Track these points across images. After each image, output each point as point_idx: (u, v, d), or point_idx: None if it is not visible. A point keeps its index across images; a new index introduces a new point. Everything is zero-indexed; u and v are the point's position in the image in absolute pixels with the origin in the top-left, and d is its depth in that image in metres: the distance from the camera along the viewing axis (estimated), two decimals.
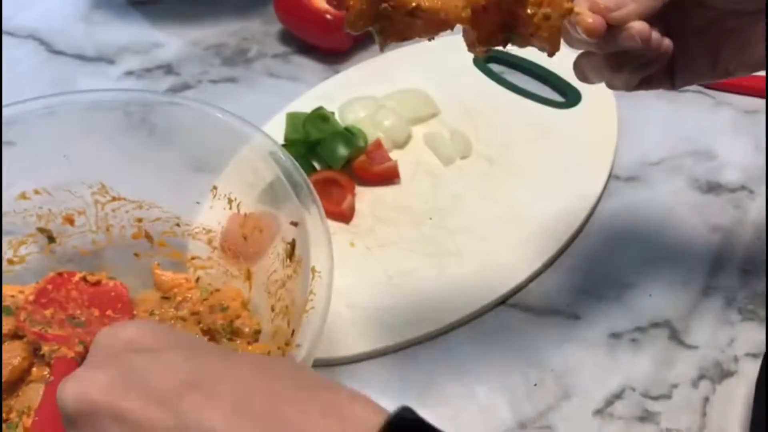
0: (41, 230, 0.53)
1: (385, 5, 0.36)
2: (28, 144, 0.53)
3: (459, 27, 0.39)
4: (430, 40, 0.40)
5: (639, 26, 0.39)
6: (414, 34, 0.38)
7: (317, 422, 0.26)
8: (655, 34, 0.40)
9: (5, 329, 0.48)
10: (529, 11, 0.38)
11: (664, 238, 0.60)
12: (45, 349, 0.47)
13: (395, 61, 0.75)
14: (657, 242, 0.59)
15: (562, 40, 0.39)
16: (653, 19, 0.40)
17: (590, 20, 0.38)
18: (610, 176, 0.64)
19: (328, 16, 0.74)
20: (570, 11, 0.38)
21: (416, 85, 0.71)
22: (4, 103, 0.52)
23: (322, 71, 0.75)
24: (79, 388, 0.29)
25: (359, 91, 0.70)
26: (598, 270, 0.58)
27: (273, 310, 0.47)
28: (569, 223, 0.60)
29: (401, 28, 0.37)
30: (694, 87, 0.72)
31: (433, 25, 0.37)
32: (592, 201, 0.61)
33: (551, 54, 0.39)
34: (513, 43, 0.40)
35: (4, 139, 0.52)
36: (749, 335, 0.53)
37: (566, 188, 0.62)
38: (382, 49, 0.38)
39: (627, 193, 0.63)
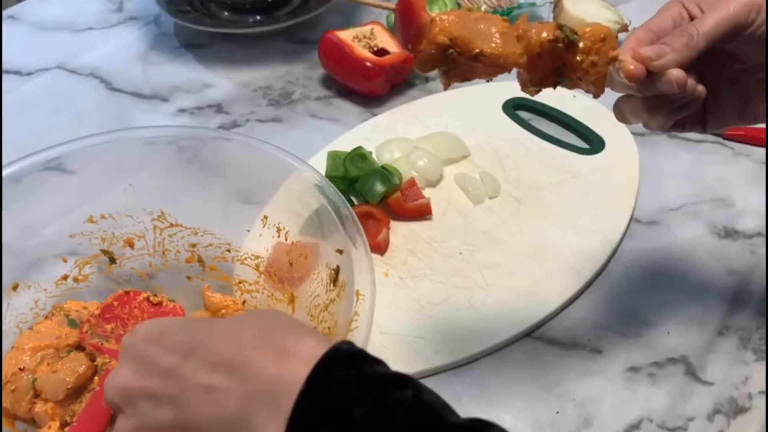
0: (104, 252, 0.58)
1: (451, 51, 0.40)
2: (87, 173, 0.58)
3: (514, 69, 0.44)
4: (488, 81, 0.44)
5: (677, 73, 0.43)
6: (475, 76, 0.42)
7: (271, 362, 0.33)
8: (691, 81, 0.44)
9: (71, 340, 0.52)
10: (578, 58, 0.42)
11: (683, 279, 0.63)
12: (98, 360, 0.52)
13: (429, 106, 0.80)
14: (676, 283, 0.62)
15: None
16: (689, 67, 0.44)
17: (632, 67, 0.43)
18: (631, 219, 0.67)
19: (368, 64, 0.79)
20: (615, 59, 0.43)
21: (448, 128, 0.75)
22: (68, 137, 0.57)
23: (361, 114, 0.81)
24: (115, 382, 0.37)
25: (395, 133, 0.75)
26: (619, 307, 0.61)
27: None
28: (592, 262, 0.63)
29: (464, 70, 0.41)
30: (713, 138, 0.76)
31: (492, 69, 0.41)
32: (614, 242, 0.65)
33: (596, 96, 0.44)
34: (562, 86, 0.44)
35: (65, 168, 0.57)
36: (763, 374, 0.56)
37: (590, 229, 0.66)
38: (445, 88, 0.42)
39: (647, 236, 0.67)
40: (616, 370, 0.56)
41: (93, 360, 0.51)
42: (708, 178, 0.72)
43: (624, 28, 0.85)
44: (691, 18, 0.47)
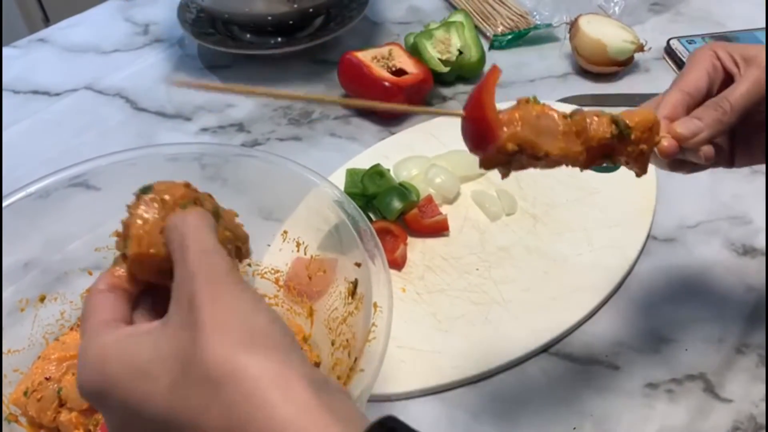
0: None
1: (517, 153, 0.41)
2: (112, 189, 0.59)
3: None
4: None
5: (707, 150, 0.45)
6: (533, 167, 0.43)
7: None
8: (717, 151, 0.46)
9: None
10: (629, 149, 0.44)
11: (701, 296, 0.63)
12: None
13: (446, 125, 0.81)
14: (694, 300, 0.62)
15: None
16: None
17: (666, 144, 0.44)
18: (648, 236, 0.68)
19: (386, 84, 0.80)
20: (658, 142, 0.44)
21: (465, 146, 0.76)
22: (94, 154, 0.59)
23: (379, 132, 0.82)
24: None
25: (413, 151, 0.76)
26: (636, 324, 0.61)
27: (333, 344, 0.51)
28: (609, 279, 0.63)
29: (524, 164, 0.42)
30: None
31: (553, 164, 0.42)
32: (631, 259, 0.65)
33: (640, 175, 0.45)
34: (608, 163, 0.45)
35: (90, 184, 0.58)
36: None
37: (607, 246, 0.66)
38: (503, 177, 0.43)
39: (665, 253, 0.67)
40: (634, 386, 0.56)
41: None
42: (725, 195, 0.72)
43: (639, 48, 0.86)
44: (725, 69, 0.47)
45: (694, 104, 0.46)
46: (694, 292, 0.63)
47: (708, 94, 0.47)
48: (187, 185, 0.37)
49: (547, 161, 0.42)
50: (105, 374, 0.31)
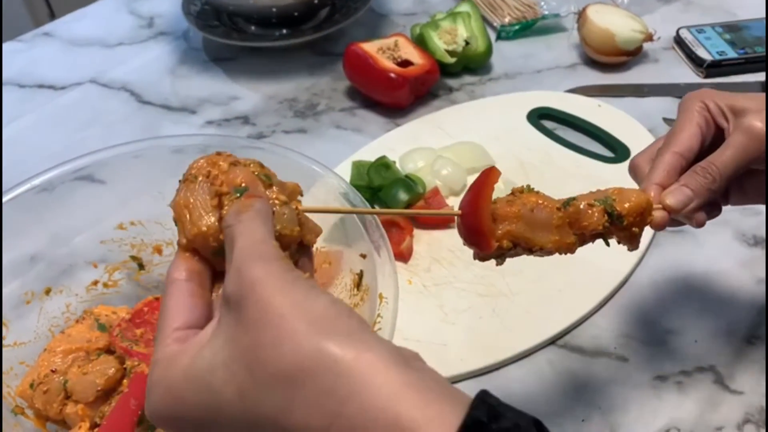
0: (134, 258, 0.59)
1: (512, 249, 0.41)
2: (117, 182, 0.59)
3: None
4: None
5: (699, 217, 0.45)
6: (527, 255, 0.43)
7: None
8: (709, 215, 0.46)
9: (101, 344, 0.53)
10: (621, 234, 0.44)
11: (710, 287, 0.62)
12: (128, 363, 0.52)
13: (452, 116, 0.81)
14: (703, 291, 0.62)
15: None
16: None
17: (658, 218, 0.44)
18: None
19: (392, 75, 0.80)
20: (651, 221, 0.44)
21: (472, 138, 0.76)
22: (98, 147, 0.58)
23: (385, 124, 0.81)
24: None
25: (419, 143, 0.76)
26: (645, 316, 0.60)
27: None
28: (618, 270, 0.63)
29: (519, 254, 0.42)
30: None
31: (545, 255, 0.42)
32: (640, 250, 0.64)
33: (631, 250, 0.45)
34: (603, 241, 0.45)
35: (95, 177, 0.58)
36: None
37: None
38: (498, 265, 0.43)
39: (674, 245, 0.66)
40: (642, 378, 0.56)
41: (122, 363, 0.52)
42: None
43: (648, 37, 0.85)
44: (715, 122, 0.47)
45: (687, 165, 0.46)
46: (704, 284, 0.62)
47: (700, 151, 0.47)
48: (237, 163, 0.35)
49: (541, 253, 0.42)
50: (173, 398, 0.29)
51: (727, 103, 0.46)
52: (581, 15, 0.88)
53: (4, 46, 0.96)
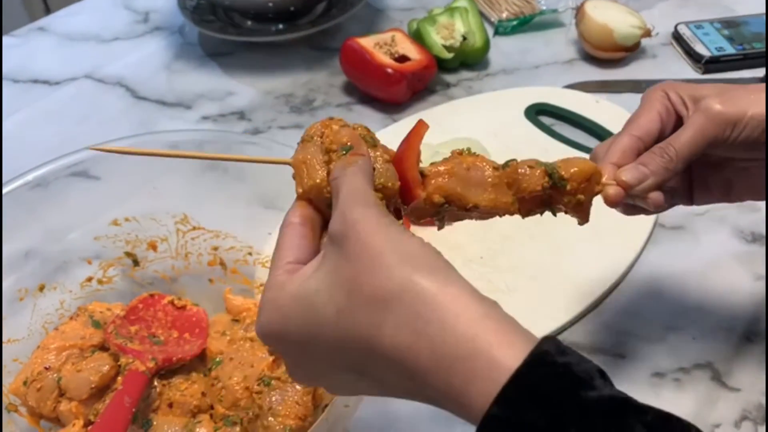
0: (128, 254, 0.59)
1: (445, 205, 0.41)
2: (112, 178, 0.59)
3: None
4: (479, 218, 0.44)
5: (654, 196, 0.45)
6: (468, 218, 0.43)
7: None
8: (666, 197, 0.46)
9: (95, 341, 0.53)
10: (565, 199, 0.43)
11: (709, 284, 0.62)
12: (122, 360, 0.52)
13: (450, 112, 0.80)
14: (701, 288, 0.61)
15: None
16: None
17: (612, 193, 0.44)
18: (655, 224, 0.67)
19: (389, 71, 0.79)
20: (599, 192, 0.44)
21: (469, 134, 0.75)
22: (92, 143, 0.58)
23: (382, 120, 0.81)
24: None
25: None
26: (642, 312, 0.60)
27: None
28: (616, 267, 0.63)
29: (458, 215, 0.42)
30: None
31: (485, 216, 0.43)
32: (638, 247, 0.64)
33: (582, 224, 0.45)
34: (550, 212, 0.45)
35: (89, 174, 0.58)
36: None
37: (613, 234, 0.65)
38: (439, 229, 0.43)
39: (672, 241, 0.66)
40: (640, 375, 0.56)
41: (117, 360, 0.52)
42: None
43: (647, 33, 0.84)
44: (676, 111, 0.47)
45: (644, 148, 0.46)
46: (702, 280, 0.62)
47: (660, 137, 0.46)
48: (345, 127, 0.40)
49: (478, 212, 0.42)
50: (281, 315, 0.33)
51: (688, 93, 0.46)
52: (579, 10, 0.88)
53: None
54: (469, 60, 0.87)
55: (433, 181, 0.40)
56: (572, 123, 0.78)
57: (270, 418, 0.46)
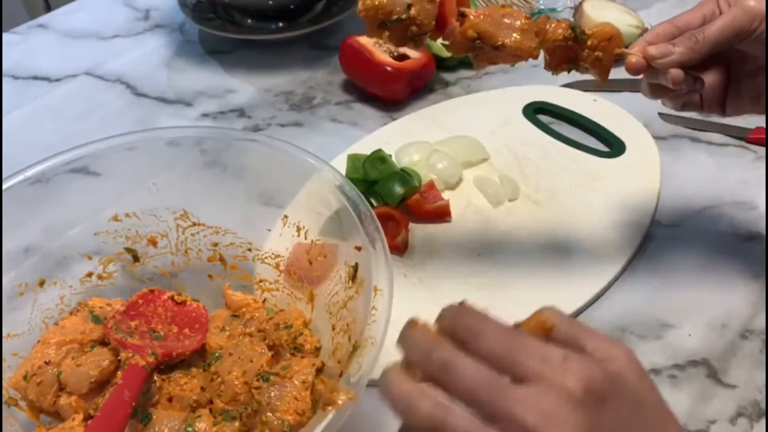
0: (128, 250, 0.59)
1: (477, 41, 0.49)
2: (112, 174, 0.59)
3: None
4: (512, 65, 0.53)
5: (674, 73, 0.49)
6: (500, 62, 0.51)
7: None
8: (687, 78, 0.50)
9: (95, 336, 0.53)
10: (585, 53, 0.51)
11: (704, 281, 0.62)
12: (122, 355, 0.52)
13: (448, 110, 0.80)
14: (697, 285, 0.62)
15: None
16: (704, 62, 0.50)
17: (633, 60, 0.49)
18: (652, 222, 0.67)
19: (388, 69, 0.80)
20: (620, 55, 0.51)
21: (468, 132, 0.76)
22: (92, 139, 0.58)
23: (381, 118, 0.81)
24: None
25: (414, 137, 0.76)
26: (639, 309, 0.60)
27: (334, 329, 0.51)
28: (612, 265, 0.63)
29: (490, 57, 0.50)
30: (735, 141, 0.76)
31: (512, 57, 0.50)
32: (635, 244, 0.64)
33: (601, 82, 0.53)
34: (576, 71, 0.52)
35: (89, 170, 0.58)
36: None
37: (610, 231, 0.66)
38: (477, 71, 0.52)
39: (669, 238, 0.66)
40: None
41: (116, 355, 0.52)
42: (730, 181, 0.71)
43: (644, 32, 0.85)
44: (719, 7, 0.51)
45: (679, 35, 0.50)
46: (698, 278, 0.62)
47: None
48: None
49: (505, 52, 0.49)
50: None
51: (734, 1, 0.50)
52: (577, 10, 0.88)
53: None
54: (468, 59, 0.87)
55: (470, 17, 0.48)
56: (570, 122, 0.78)
57: (269, 413, 0.47)
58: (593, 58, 0.50)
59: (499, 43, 0.48)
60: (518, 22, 0.49)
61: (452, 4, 0.49)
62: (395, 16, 0.47)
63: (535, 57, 0.50)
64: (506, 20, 0.48)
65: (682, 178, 0.72)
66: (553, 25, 0.50)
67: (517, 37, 0.48)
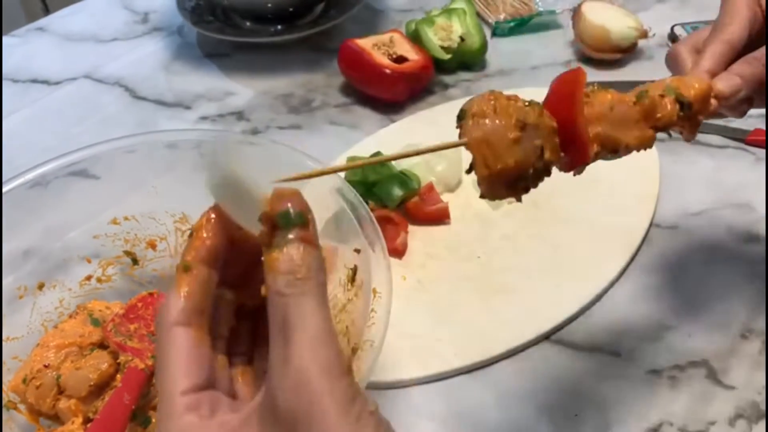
0: (127, 253, 0.59)
1: (599, 153, 0.40)
2: (111, 177, 0.59)
3: None
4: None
5: (745, 107, 0.46)
6: (602, 159, 0.42)
7: None
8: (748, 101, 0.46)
9: (94, 339, 0.53)
10: (690, 123, 0.43)
11: (704, 283, 0.62)
12: (121, 358, 0.52)
13: (448, 113, 0.80)
14: (697, 287, 0.62)
15: None
16: None
17: (711, 109, 0.44)
18: (651, 224, 0.67)
19: (387, 71, 0.80)
20: (714, 111, 0.44)
21: None
22: (91, 142, 0.58)
23: (380, 120, 0.81)
24: None
25: (414, 139, 0.75)
26: (639, 311, 0.60)
27: None
28: (612, 267, 0.63)
29: (600, 158, 0.41)
30: (735, 144, 0.76)
31: (624, 155, 0.42)
32: (634, 246, 0.64)
33: (688, 140, 0.45)
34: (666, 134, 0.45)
35: (89, 173, 0.58)
36: None
37: (609, 233, 0.66)
38: (576, 174, 0.42)
39: (668, 240, 0.66)
40: (636, 373, 0.56)
41: (116, 358, 0.52)
42: (730, 183, 0.71)
43: (643, 34, 0.85)
44: (761, 8, 0.46)
45: (735, 56, 0.45)
46: (698, 280, 0.62)
47: (748, 43, 0.46)
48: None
49: (625, 152, 0.41)
50: None
51: None
52: (576, 12, 0.88)
53: None
54: (467, 61, 0.87)
55: (593, 135, 0.39)
56: None
57: None
58: (693, 124, 0.43)
59: (624, 146, 0.40)
60: (629, 113, 0.40)
61: (580, 121, 0.38)
62: (530, 170, 0.37)
63: (651, 146, 0.42)
64: (616, 112, 0.40)
65: (681, 180, 0.72)
66: (661, 104, 0.42)
67: (636, 133, 0.40)
